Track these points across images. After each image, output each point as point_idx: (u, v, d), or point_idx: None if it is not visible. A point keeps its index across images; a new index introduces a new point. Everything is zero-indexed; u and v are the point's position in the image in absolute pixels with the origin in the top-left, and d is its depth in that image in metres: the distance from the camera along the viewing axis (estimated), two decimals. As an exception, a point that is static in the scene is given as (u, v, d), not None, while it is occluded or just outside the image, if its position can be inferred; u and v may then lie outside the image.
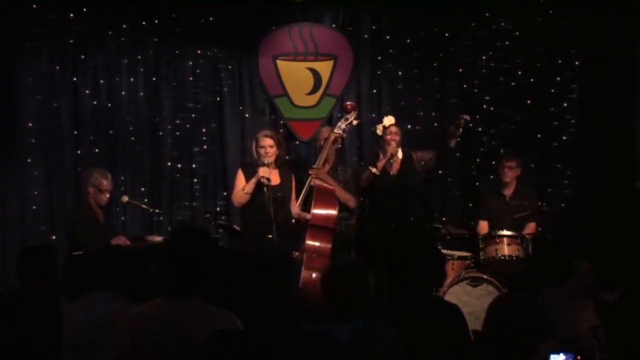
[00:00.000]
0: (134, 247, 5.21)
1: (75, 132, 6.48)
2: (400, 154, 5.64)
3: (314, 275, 4.96)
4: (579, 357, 2.75)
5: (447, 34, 6.81)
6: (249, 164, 5.42)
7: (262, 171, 5.16)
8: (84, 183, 5.52)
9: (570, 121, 6.76)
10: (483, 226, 5.90)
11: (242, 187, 5.28)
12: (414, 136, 6.67)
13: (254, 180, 5.20)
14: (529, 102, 6.77)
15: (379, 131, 5.65)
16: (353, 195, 5.60)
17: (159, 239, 5.52)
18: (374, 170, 5.41)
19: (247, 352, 2.15)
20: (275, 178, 5.30)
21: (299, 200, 5.52)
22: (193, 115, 6.71)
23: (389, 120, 5.62)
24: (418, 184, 5.65)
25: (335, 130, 5.61)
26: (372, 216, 5.67)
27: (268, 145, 5.27)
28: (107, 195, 5.41)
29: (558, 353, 2.71)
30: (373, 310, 2.77)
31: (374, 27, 6.83)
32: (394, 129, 5.56)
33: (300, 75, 6.81)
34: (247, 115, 6.78)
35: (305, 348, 2.16)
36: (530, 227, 5.71)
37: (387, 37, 6.81)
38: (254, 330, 2.25)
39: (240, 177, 5.36)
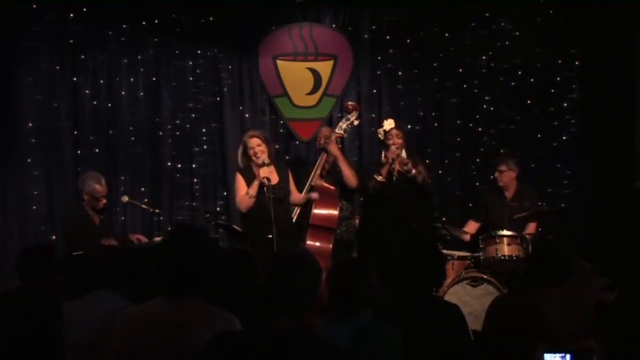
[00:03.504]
0: (133, 247, 5.22)
1: (75, 132, 6.48)
2: (404, 155, 5.60)
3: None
4: (574, 358, 2.75)
5: (447, 34, 6.82)
6: (246, 168, 5.40)
7: (263, 172, 5.16)
8: (79, 189, 5.51)
9: (570, 121, 6.76)
10: (472, 226, 5.90)
11: (244, 191, 5.25)
12: (414, 136, 6.68)
13: (256, 182, 5.18)
14: (529, 102, 6.77)
15: (381, 135, 5.62)
16: (356, 173, 5.60)
17: (141, 238, 5.51)
18: (379, 178, 5.38)
19: (251, 354, 2.15)
20: (273, 177, 5.30)
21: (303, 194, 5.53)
22: (193, 115, 6.71)
23: (388, 124, 5.57)
24: (421, 185, 5.60)
25: (337, 130, 5.61)
26: (375, 218, 5.62)
27: (256, 145, 5.25)
28: (103, 201, 5.38)
29: (553, 353, 2.71)
30: (375, 308, 2.77)
31: (374, 27, 6.83)
32: (394, 132, 5.51)
33: (300, 75, 6.81)
34: (247, 115, 6.78)
35: (305, 350, 2.16)
36: (531, 228, 5.71)
37: (387, 37, 6.82)
38: (255, 332, 2.26)
39: (241, 182, 5.32)
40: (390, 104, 6.82)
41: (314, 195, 5.41)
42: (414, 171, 5.43)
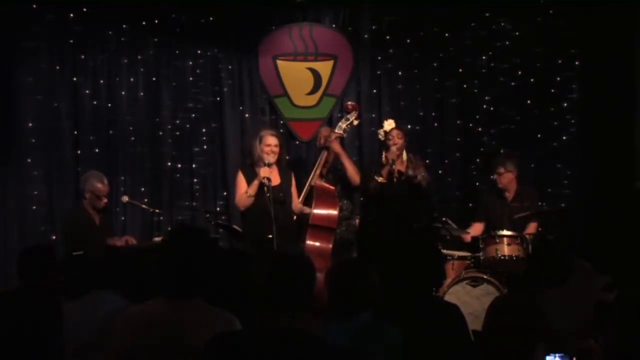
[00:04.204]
0: (133, 247, 5.23)
1: (75, 132, 6.48)
2: (404, 156, 5.58)
3: (314, 275, 4.95)
4: (574, 358, 2.75)
5: (447, 34, 6.82)
6: (249, 166, 5.41)
7: (263, 172, 5.17)
8: (81, 188, 5.52)
9: (570, 121, 6.77)
10: (478, 228, 5.90)
11: (244, 190, 5.27)
12: (414, 136, 6.67)
13: (256, 182, 5.20)
14: (529, 102, 6.77)
15: (381, 136, 5.61)
16: (359, 171, 5.63)
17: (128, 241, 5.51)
18: (380, 179, 5.37)
19: (251, 354, 2.16)
20: (275, 178, 5.31)
21: (300, 198, 5.54)
22: (193, 115, 6.71)
23: (389, 124, 5.53)
24: (422, 186, 5.58)
25: (336, 130, 5.62)
26: (375, 219, 5.61)
27: (274, 145, 5.28)
28: (104, 200, 5.40)
29: (554, 355, 2.71)
30: (375, 308, 2.77)
31: (374, 27, 6.83)
32: (395, 132, 5.48)
33: (300, 75, 6.81)
34: (247, 115, 6.78)
35: (305, 350, 2.16)
36: (531, 228, 5.71)
37: (387, 37, 6.82)
38: (255, 332, 2.26)
39: (242, 180, 5.34)
40: (390, 104, 6.82)
41: (307, 210, 5.42)
42: (419, 177, 5.44)
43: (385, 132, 5.53)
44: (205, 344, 2.21)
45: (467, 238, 5.81)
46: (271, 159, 5.23)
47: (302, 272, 2.32)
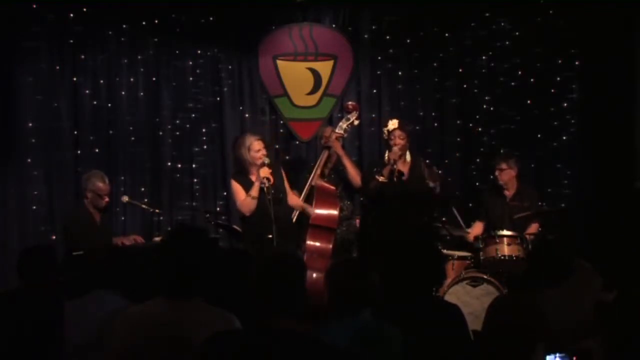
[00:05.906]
0: (134, 246, 5.22)
1: (75, 132, 6.48)
2: (408, 157, 5.56)
3: (314, 275, 4.95)
4: (574, 358, 2.75)
5: (447, 34, 6.83)
6: (240, 173, 5.37)
7: (263, 172, 5.16)
8: (82, 187, 5.52)
9: (570, 121, 6.77)
10: (478, 227, 5.90)
11: (244, 195, 5.24)
12: (414, 136, 6.66)
13: (257, 184, 5.19)
14: (529, 102, 6.78)
15: (385, 135, 5.59)
16: (360, 172, 5.65)
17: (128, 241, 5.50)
18: (381, 179, 5.35)
19: (247, 354, 2.15)
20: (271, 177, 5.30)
21: (301, 197, 5.53)
22: (193, 115, 6.72)
23: (392, 124, 5.47)
24: (424, 189, 5.56)
25: (337, 130, 5.62)
26: (376, 218, 5.60)
27: (262, 148, 5.28)
28: (106, 199, 5.40)
29: (554, 355, 2.71)
30: (375, 308, 2.77)
31: (374, 27, 6.83)
32: (397, 132, 5.42)
33: (300, 75, 6.82)
34: (247, 115, 6.79)
35: (304, 351, 2.16)
36: (533, 228, 5.70)
37: (387, 37, 6.83)
38: (253, 332, 2.26)
39: (237, 187, 5.30)
40: (390, 104, 6.83)
41: (310, 210, 5.41)
42: (431, 184, 5.43)
43: (388, 132, 5.51)
44: (203, 343, 2.21)
45: (471, 237, 5.80)
46: (265, 160, 5.23)
47: (302, 272, 2.32)
